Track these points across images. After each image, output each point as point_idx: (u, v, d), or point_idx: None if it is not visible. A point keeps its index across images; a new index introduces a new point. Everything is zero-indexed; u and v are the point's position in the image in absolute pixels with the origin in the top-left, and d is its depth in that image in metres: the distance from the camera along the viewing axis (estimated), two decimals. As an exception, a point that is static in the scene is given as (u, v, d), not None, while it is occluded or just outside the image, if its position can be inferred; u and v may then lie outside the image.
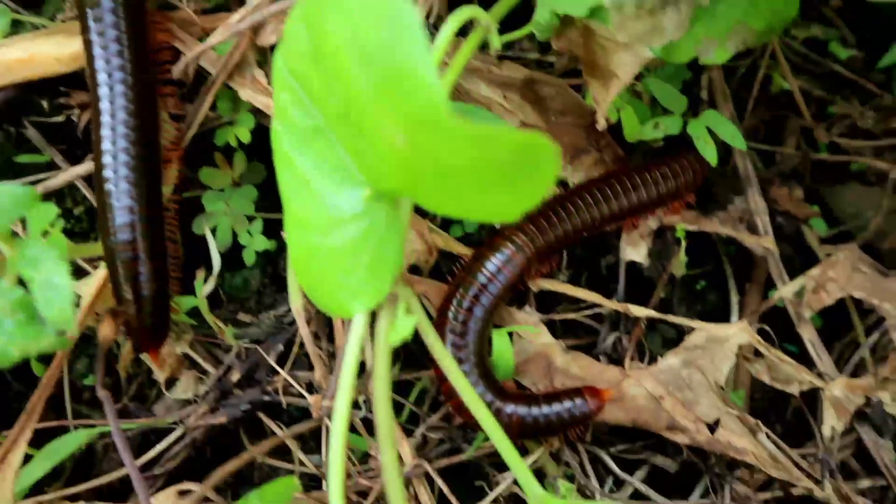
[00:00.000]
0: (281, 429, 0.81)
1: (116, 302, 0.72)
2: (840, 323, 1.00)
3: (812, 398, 0.91)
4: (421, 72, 0.44)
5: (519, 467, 0.57)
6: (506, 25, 0.75)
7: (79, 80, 0.82)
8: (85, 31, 0.73)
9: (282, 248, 0.91)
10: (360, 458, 0.81)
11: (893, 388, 0.90)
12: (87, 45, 0.73)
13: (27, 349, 0.56)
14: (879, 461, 0.90)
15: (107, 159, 0.73)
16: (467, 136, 0.44)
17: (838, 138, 1.06)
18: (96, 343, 0.85)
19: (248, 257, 0.89)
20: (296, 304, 0.76)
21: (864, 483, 0.90)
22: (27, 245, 0.55)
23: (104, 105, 0.74)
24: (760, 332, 0.87)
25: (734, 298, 0.97)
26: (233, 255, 0.89)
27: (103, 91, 0.72)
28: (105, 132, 0.73)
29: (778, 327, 0.92)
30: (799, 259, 1.01)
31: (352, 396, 0.57)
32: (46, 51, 0.79)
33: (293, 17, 0.56)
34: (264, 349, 0.82)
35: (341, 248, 0.59)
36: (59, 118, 0.86)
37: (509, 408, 0.72)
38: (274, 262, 0.93)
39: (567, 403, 0.72)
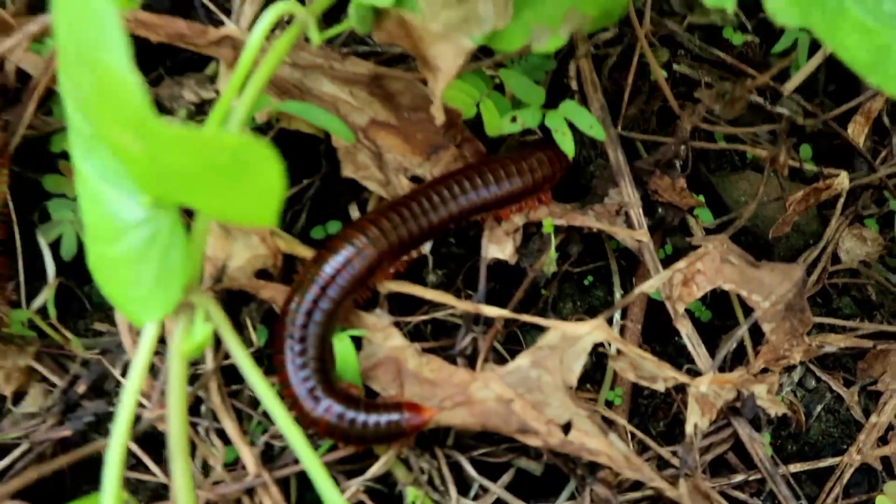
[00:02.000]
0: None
1: None
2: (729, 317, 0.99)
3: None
4: (123, 73, 0.42)
5: (314, 467, 0.55)
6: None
7: None
8: None
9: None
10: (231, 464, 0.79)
11: (770, 380, 0.89)
12: None
13: None
14: (754, 455, 0.88)
15: None
16: (177, 140, 0.42)
17: (731, 127, 1.04)
18: None
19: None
20: (120, 316, 0.74)
21: (739, 477, 0.89)
22: None
23: None
24: (626, 329, 0.85)
25: (617, 294, 0.95)
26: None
27: None
28: None
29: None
30: (686, 252, 1.00)
31: (135, 405, 0.55)
32: None
33: (55, 11, 0.53)
34: (111, 359, 0.79)
35: (126, 258, 0.57)
36: None
37: (325, 402, 0.70)
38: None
39: (384, 416, 0.70)
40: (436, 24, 0.66)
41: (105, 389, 0.81)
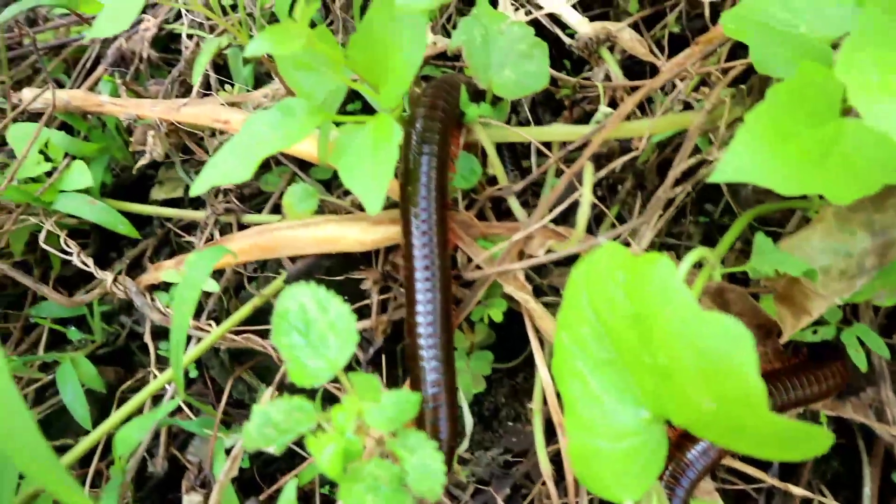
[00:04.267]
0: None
1: None
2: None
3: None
4: (750, 376, 0.64)
5: None
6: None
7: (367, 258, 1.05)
8: (407, 231, 0.92)
9: (488, 389, 1.11)
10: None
11: None
12: (407, 238, 0.92)
13: (395, 511, 0.76)
14: None
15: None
16: (772, 424, 0.64)
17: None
18: None
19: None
20: (543, 458, 0.95)
21: None
22: (408, 434, 0.75)
23: (420, 295, 0.92)
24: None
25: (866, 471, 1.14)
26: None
27: (420, 284, 0.91)
28: (420, 319, 0.92)
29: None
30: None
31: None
32: (352, 235, 1.01)
33: (611, 268, 0.76)
34: (494, 488, 1.01)
35: (622, 454, 0.79)
36: (340, 278, 1.08)
37: None
38: (480, 403, 1.13)
39: None
40: (824, 290, 0.88)
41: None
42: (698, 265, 0.92)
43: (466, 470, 1.04)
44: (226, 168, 0.83)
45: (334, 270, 1.07)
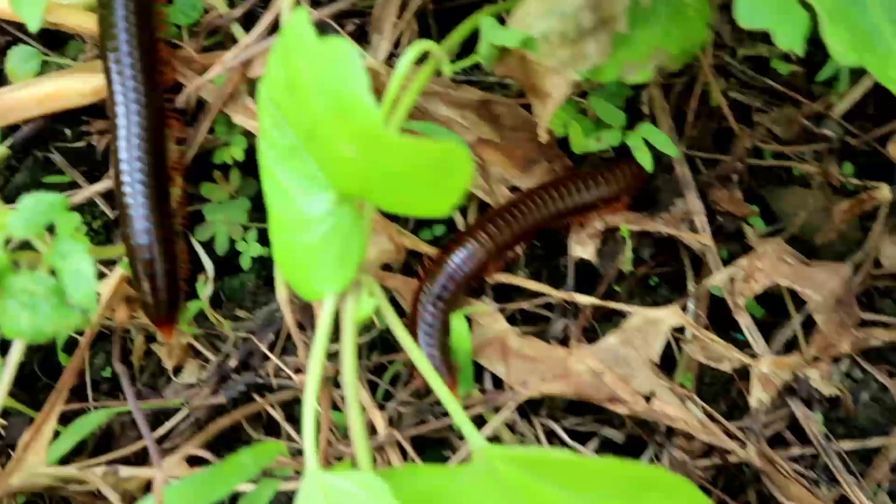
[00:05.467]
0: (273, 407, 0.94)
1: (137, 292, 0.86)
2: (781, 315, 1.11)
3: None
4: (363, 101, 0.57)
5: (458, 414, 0.68)
6: (463, 53, 0.88)
7: (97, 111, 0.97)
8: (107, 69, 0.87)
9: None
10: (342, 433, 0.93)
11: (822, 366, 1.01)
12: (109, 80, 0.87)
13: (58, 328, 0.69)
14: (808, 431, 1.00)
15: (125, 176, 0.87)
16: (400, 148, 0.57)
17: (779, 146, 1.18)
18: (112, 339, 0.99)
19: (245, 262, 1.03)
20: (282, 295, 0.88)
21: (796, 451, 1.00)
22: (58, 241, 0.68)
23: (121, 130, 0.87)
24: (698, 318, 0.98)
25: (690, 286, 1.08)
26: (231, 261, 1.02)
27: (121, 118, 0.86)
28: (122, 154, 0.87)
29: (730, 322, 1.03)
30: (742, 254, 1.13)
31: (324, 357, 0.70)
32: (71, 86, 0.93)
33: (272, 56, 0.69)
34: (257, 339, 0.94)
35: (314, 244, 0.72)
36: (81, 144, 1.00)
37: None
38: (268, 267, 1.05)
39: None
40: (551, 61, 0.81)
41: (252, 365, 0.96)
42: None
43: (235, 324, 0.97)
44: None
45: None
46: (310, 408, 0.65)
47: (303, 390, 0.88)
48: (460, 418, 0.70)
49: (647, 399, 0.89)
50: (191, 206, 0.99)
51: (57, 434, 0.90)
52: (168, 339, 0.91)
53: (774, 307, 1.15)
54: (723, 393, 1.12)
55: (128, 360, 0.98)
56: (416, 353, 0.73)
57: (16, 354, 0.70)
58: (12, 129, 0.98)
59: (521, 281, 0.95)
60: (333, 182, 0.70)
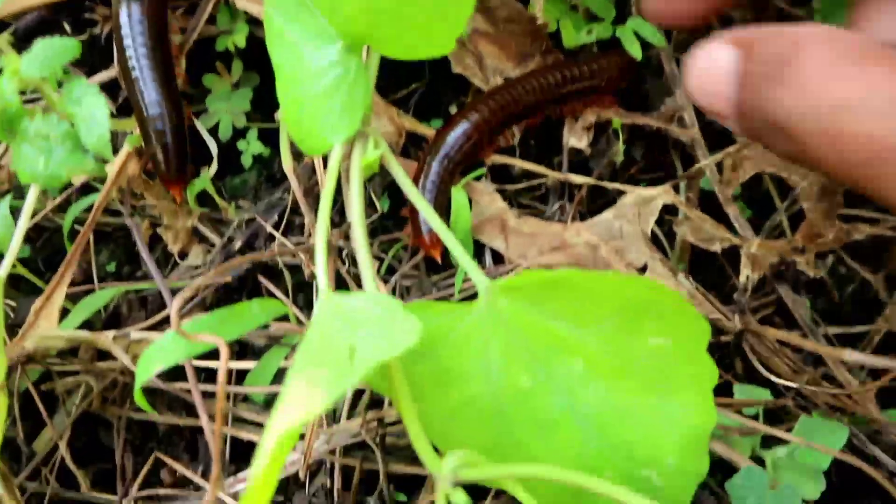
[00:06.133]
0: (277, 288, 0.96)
1: (150, 158, 0.90)
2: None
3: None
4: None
5: (464, 258, 0.71)
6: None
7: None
8: None
9: (275, 153, 1.06)
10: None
11: (808, 254, 1.05)
12: None
13: (73, 172, 0.71)
14: (796, 314, 1.04)
15: (131, 59, 0.89)
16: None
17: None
18: (115, 237, 1.01)
19: (246, 161, 1.05)
20: (287, 164, 0.91)
21: (783, 334, 1.04)
22: (72, 85, 0.70)
23: (123, 17, 0.89)
24: (689, 200, 1.02)
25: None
26: (233, 160, 1.05)
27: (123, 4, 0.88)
28: (127, 41, 0.89)
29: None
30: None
31: (330, 207, 0.72)
32: (73, -27, 0.95)
33: None
34: (258, 225, 0.96)
35: (320, 94, 0.74)
36: (83, 36, 1.02)
37: None
38: (269, 166, 1.08)
39: None
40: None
41: (257, 247, 0.98)
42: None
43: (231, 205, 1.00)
44: None
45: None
46: (323, 232, 0.67)
47: (309, 263, 0.91)
48: (466, 262, 0.73)
49: (641, 271, 0.93)
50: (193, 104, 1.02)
51: (66, 313, 0.92)
52: (178, 198, 0.93)
53: (762, 209, 1.19)
54: (716, 286, 1.17)
55: (133, 251, 1.01)
56: (422, 203, 0.76)
57: (30, 203, 0.72)
58: (16, 18, 1.00)
59: (517, 161, 0.98)
60: (340, 30, 0.72)
